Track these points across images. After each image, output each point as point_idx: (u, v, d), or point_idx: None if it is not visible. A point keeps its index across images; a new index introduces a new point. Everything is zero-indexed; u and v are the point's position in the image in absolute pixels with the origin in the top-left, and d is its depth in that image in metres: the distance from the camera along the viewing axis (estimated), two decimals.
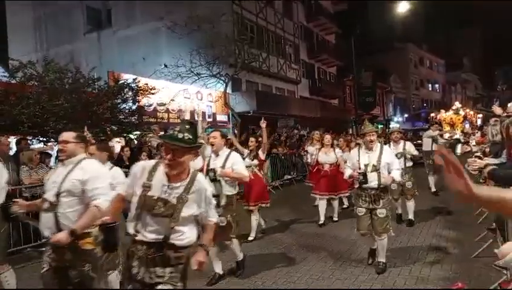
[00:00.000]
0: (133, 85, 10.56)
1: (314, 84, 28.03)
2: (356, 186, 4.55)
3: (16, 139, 7.77)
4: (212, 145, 4.37)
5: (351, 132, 27.19)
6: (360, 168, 4.36)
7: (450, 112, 23.27)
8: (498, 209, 1.19)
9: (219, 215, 3.21)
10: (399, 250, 5.17)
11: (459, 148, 8.31)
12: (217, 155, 4.37)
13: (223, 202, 4.14)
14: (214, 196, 2.78)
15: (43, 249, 3.07)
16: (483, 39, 67.71)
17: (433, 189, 9.00)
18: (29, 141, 8.09)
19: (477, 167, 3.53)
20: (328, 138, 7.26)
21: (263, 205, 6.12)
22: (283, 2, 24.12)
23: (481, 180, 6.06)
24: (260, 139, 7.06)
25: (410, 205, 6.54)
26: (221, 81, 16.51)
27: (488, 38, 67.00)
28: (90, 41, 21.51)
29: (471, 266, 4.38)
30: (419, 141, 14.62)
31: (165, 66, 16.62)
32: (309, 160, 8.11)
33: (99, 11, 22.70)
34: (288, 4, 24.84)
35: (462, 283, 1.94)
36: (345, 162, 5.69)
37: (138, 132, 10.51)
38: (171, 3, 17.52)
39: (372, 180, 4.30)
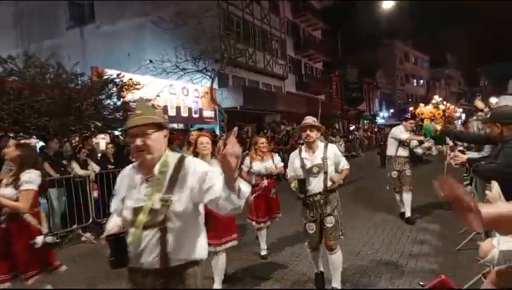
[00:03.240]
0: (117, 80, 10.38)
1: (300, 80, 28.10)
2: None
3: None
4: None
5: (337, 127, 27.46)
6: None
7: (430, 106, 23.64)
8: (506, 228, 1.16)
9: None
10: (385, 243, 5.23)
11: (434, 150, 8.03)
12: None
13: None
14: None
15: None
16: (467, 36, 68.84)
17: (407, 213, 6.37)
18: (11, 139, 7.89)
19: (459, 161, 3.57)
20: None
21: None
22: None
23: (464, 175, 6.19)
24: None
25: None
26: (208, 77, 16.39)
27: (472, 36, 68.16)
28: (72, 37, 21.08)
29: (455, 258, 4.46)
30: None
31: (150, 61, 16.42)
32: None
33: (82, 6, 22.24)
34: None
35: (445, 275, 1.97)
36: None
37: (123, 128, 10.37)
38: None
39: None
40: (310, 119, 3.69)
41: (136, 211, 1.82)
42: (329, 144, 3.76)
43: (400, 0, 25.52)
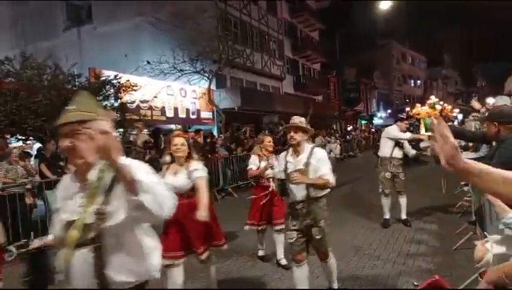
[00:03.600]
0: (114, 82, 10.38)
1: (298, 81, 28.15)
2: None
3: None
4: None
5: (335, 128, 27.51)
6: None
7: (426, 107, 23.68)
8: (478, 182, 1.20)
9: None
10: (382, 243, 5.25)
11: (429, 151, 7.62)
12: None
13: None
14: None
15: None
16: (463, 37, 69.15)
17: (403, 216, 6.22)
18: (8, 140, 7.88)
19: None
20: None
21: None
22: None
23: None
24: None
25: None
26: (205, 78, 16.40)
27: (468, 36, 68.50)
28: (69, 38, 21.06)
29: (452, 257, 4.47)
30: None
31: (148, 62, 16.41)
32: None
33: (79, 7, 22.22)
34: (272, 0, 24.82)
35: (439, 275, 1.98)
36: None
37: (121, 129, 10.36)
38: None
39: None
40: (296, 119, 3.35)
41: (68, 225, 1.53)
42: (316, 149, 3.37)
43: (397, 0, 25.62)
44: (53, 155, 7.19)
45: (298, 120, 3.34)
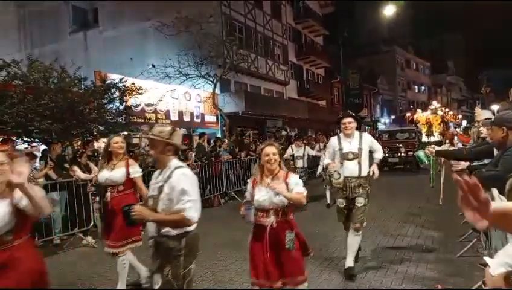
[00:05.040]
0: (120, 85, 10.44)
1: (302, 86, 28.18)
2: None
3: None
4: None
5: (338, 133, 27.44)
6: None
7: (428, 112, 23.39)
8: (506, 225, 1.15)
9: None
10: (385, 250, 5.23)
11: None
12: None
13: None
14: None
15: None
16: (468, 43, 69.06)
17: (349, 263, 4.26)
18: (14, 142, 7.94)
19: (459, 168, 3.59)
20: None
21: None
22: (271, 4, 24.20)
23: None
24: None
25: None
26: (210, 82, 16.47)
27: (472, 42, 68.41)
28: (75, 41, 21.24)
29: (456, 265, 4.44)
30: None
31: (153, 66, 16.52)
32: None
33: (86, 11, 22.43)
34: (277, 6, 24.94)
35: (441, 285, 1.96)
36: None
37: (126, 133, 10.41)
38: (159, 4, 17.43)
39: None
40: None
41: None
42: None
43: (401, 0, 25.62)
44: (58, 157, 7.25)
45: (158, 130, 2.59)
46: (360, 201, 4.28)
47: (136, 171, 4.09)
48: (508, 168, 2.87)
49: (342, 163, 4.36)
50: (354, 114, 4.47)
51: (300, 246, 2.97)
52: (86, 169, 7.07)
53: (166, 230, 2.48)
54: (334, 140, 4.53)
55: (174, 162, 2.55)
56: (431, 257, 4.82)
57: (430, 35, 63.32)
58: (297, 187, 2.91)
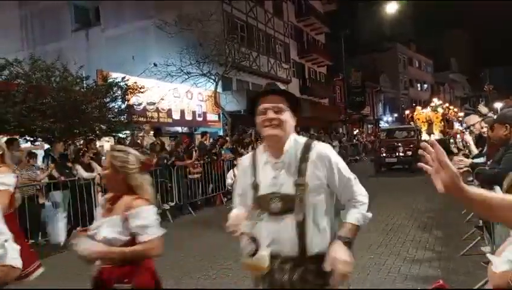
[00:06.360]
0: (122, 84, 10.45)
1: (304, 84, 28.15)
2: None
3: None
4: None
5: (341, 131, 27.43)
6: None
7: (428, 109, 23.05)
8: (482, 210, 1.17)
9: None
10: (388, 248, 5.21)
11: None
12: None
13: None
14: None
15: None
16: (471, 40, 68.75)
17: None
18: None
19: (462, 165, 3.57)
20: None
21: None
22: (273, 1, 24.17)
23: (468, 179, 6.17)
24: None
25: None
26: (212, 80, 16.46)
27: (475, 40, 68.13)
28: (78, 40, 21.27)
29: (459, 263, 4.42)
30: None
31: (155, 64, 16.52)
32: None
33: (87, 10, 22.44)
34: (279, 3, 24.90)
35: (443, 280, 1.96)
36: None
37: (128, 131, 10.42)
38: (161, 2, 17.43)
39: None
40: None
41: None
42: None
43: (403, 0, 25.55)
44: (61, 156, 7.26)
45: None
46: None
47: None
48: (509, 166, 2.86)
49: (258, 221, 1.73)
50: (285, 90, 1.96)
51: None
52: (89, 168, 7.10)
53: None
54: (245, 162, 1.99)
55: None
56: (434, 256, 4.81)
57: (432, 33, 63.13)
58: None
